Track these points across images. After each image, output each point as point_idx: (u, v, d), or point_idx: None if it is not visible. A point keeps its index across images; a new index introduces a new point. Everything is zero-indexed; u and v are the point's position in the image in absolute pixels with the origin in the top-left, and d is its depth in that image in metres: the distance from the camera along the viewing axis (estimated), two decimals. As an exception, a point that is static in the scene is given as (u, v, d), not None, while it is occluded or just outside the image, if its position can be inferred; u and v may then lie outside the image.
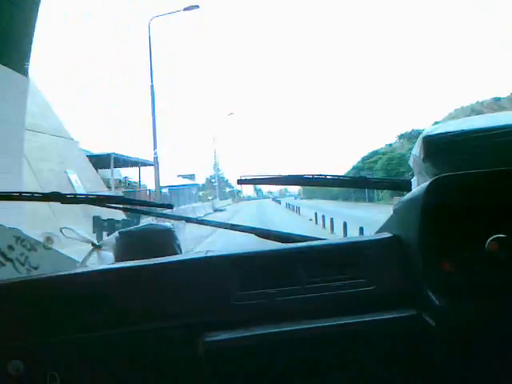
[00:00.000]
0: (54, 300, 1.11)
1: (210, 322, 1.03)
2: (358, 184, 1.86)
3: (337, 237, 11.01)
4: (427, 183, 1.05)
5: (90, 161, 25.51)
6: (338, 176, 1.67)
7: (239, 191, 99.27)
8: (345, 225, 13.62)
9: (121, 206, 1.93)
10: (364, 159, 54.35)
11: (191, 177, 65.22)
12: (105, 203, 1.93)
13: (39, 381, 1.02)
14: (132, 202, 1.94)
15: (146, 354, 1.04)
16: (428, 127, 1.27)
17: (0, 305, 1.12)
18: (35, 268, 1.65)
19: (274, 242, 1.52)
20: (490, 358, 0.97)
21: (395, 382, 1.04)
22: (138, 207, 2.05)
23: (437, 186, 1.04)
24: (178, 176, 61.63)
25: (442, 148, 1.22)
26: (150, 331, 1.03)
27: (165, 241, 1.60)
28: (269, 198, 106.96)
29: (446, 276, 1.01)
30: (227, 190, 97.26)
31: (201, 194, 71.48)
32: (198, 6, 24.85)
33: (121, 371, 1.05)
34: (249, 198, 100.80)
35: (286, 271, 1.11)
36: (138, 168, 33.88)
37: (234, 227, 1.77)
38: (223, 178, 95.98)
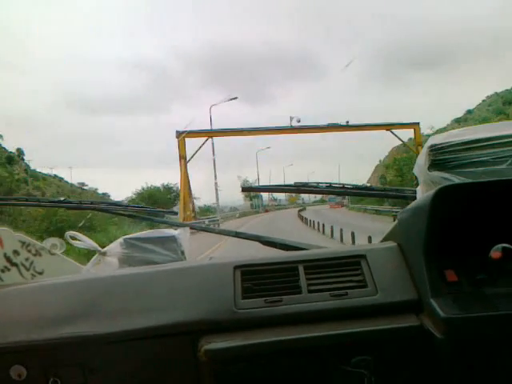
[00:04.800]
0: (57, 305, 1.11)
1: (212, 329, 1.02)
2: (362, 193, 1.85)
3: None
4: (432, 192, 1.04)
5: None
6: (343, 184, 1.67)
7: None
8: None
9: (126, 213, 1.94)
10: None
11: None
12: (110, 210, 1.94)
13: None
14: (138, 208, 1.95)
15: (148, 358, 1.04)
16: (432, 137, 1.27)
17: (4, 309, 1.12)
18: (40, 273, 1.65)
19: (279, 250, 1.52)
20: (495, 370, 0.96)
21: None
22: (143, 214, 2.06)
23: (442, 196, 1.03)
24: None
25: (447, 157, 1.22)
26: (152, 337, 1.03)
27: (169, 247, 1.61)
28: (277, 208, 72.94)
29: (450, 286, 1.01)
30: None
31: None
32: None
33: (121, 376, 1.05)
34: (231, 212, 47.94)
35: (288, 279, 1.11)
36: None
37: (238, 235, 1.77)
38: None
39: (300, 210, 48.97)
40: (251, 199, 74.97)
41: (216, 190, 33.98)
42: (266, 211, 64.11)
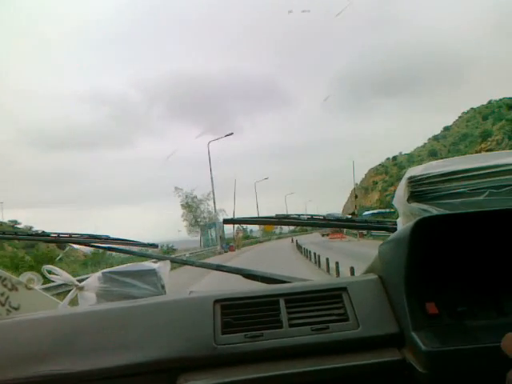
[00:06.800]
0: (33, 342, 1.07)
1: (191, 366, 1.00)
2: (344, 225, 1.86)
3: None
4: (411, 224, 1.05)
5: None
6: (324, 217, 1.67)
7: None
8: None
9: (105, 245, 1.91)
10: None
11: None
12: (89, 242, 1.91)
13: None
14: (117, 241, 1.92)
15: None
16: (411, 168, 1.29)
17: None
18: (16, 308, 1.61)
19: (260, 283, 1.50)
20: None
21: None
22: (123, 247, 2.03)
23: (421, 227, 1.04)
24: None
25: (425, 189, 1.24)
26: (130, 375, 1.00)
27: (149, 281, 1.58)
28: (248, 241, 52.16)
29: (430, 318, 1.00)
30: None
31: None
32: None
33: None
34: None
35: (269, 313, 1.09)
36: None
37: (219, 268, 1.75)
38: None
39: (299, 247, 31.35)
40: (203, 231, 44.03)
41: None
42: (231, 249, 39.89)
